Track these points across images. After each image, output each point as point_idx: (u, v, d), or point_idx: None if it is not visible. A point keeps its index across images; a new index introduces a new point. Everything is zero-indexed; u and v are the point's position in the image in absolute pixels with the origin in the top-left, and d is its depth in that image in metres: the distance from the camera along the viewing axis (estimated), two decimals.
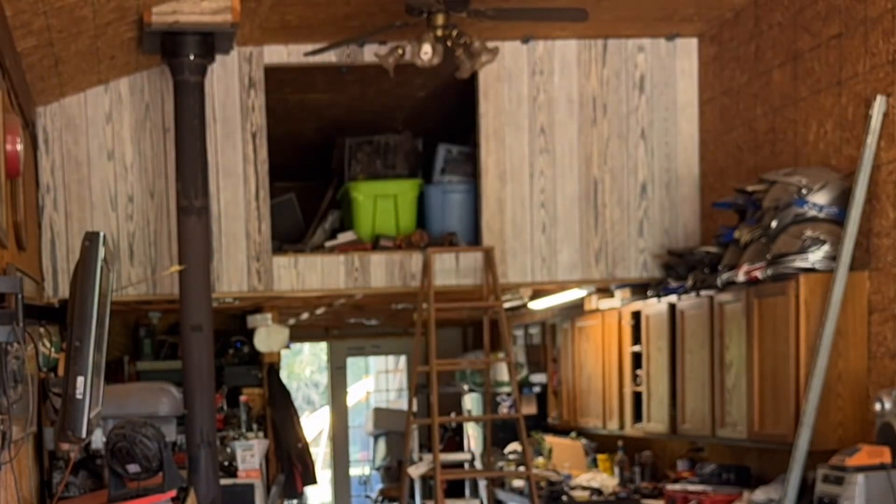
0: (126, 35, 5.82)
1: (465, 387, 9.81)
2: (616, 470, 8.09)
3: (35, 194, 6.50)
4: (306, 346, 19.84)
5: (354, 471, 14.59)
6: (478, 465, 9.12)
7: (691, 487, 6.64)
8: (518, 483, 8.01)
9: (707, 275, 6.37)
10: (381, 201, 7.26)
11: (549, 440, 8.58)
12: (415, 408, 8.12)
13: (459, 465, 8.91)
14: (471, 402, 10.23)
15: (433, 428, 7.07)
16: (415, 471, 7.54)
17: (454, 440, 10.69)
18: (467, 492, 9.45)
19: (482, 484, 8.75)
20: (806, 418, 5.27)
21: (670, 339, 6.74)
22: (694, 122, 6.98)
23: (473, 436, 9.44)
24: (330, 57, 6.61)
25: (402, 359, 14.55)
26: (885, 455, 4.78)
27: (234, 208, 6.77)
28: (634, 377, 7.41)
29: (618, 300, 7.62)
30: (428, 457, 8.57)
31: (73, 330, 3.75)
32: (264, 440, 7.97)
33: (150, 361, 9.76)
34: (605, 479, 7.91)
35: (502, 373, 9.00)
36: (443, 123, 7.83)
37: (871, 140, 5.16)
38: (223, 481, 6.41)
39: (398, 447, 10.75)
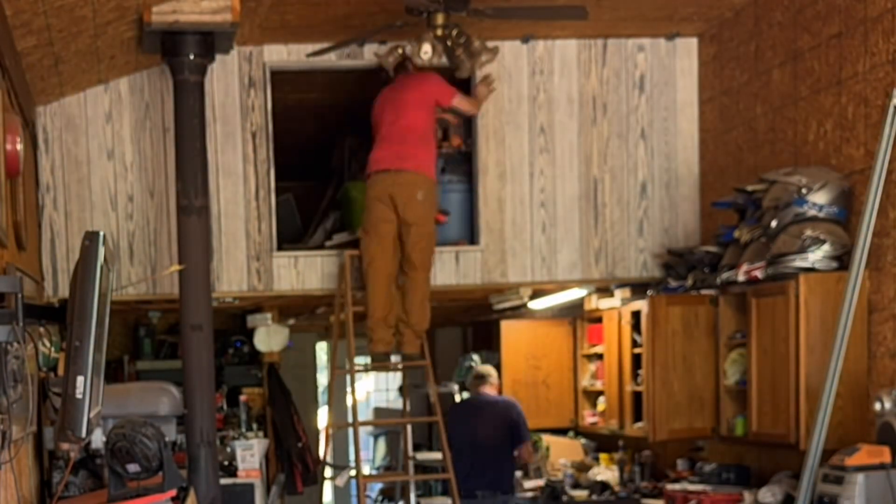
0: (126, 35, 5.82)
1: (455, 386, 9.80)
2: (616, 469, 8.09)
3: (35, 194, 6.50)
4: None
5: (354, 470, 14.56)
6: None
7: (691, 487, 6.64)
8: (531, 485, 8.00)
9: (707, 274, 6.37)
10: None
11: (547, 439, 8.58)
12: (408, 407, 8.14)
13: (434, 467, 8.88)
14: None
15: (355, 432, 7.07)
16: (340, 480, 7.56)
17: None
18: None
19: None
20: (819, 420, 5.20)
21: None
22: (694, 122, 6.98)
23: None
24: (330, 57, 6.61)
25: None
26: (884, 455, 4.78)
27: (234, 208, 6.77)
28: (635, 376, 7.42)
29: (618, 300, 7.62)
30: (420, 457, 8.60)
31: (72, 329, 3.75)
32: (264, 440, 7.96)
33: (149, 361, 9.75)
34: (612, 475, 7.92)
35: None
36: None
37: (890, 131, 5.03)
38: (223, 481, 6.41)
39: (398, 447, 10.75)
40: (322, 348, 14.33)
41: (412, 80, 6.54)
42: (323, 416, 14.39)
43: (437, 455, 9.08)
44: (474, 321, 11.86)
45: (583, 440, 8.74)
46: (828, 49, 5.61)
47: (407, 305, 6.62)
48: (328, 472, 7.84)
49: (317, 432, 12.20)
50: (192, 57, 5.86)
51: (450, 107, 6.57)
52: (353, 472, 7.22)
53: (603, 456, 8.36)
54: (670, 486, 6.86)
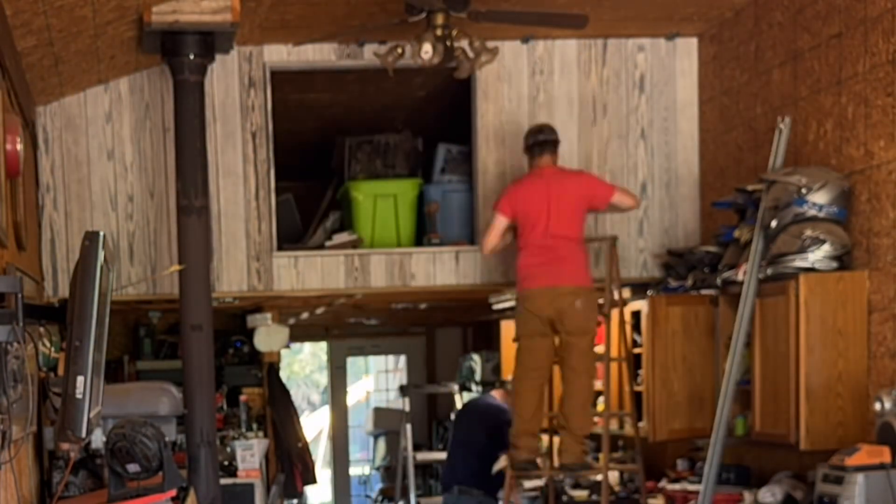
0: (126, 34, 5.83)
1: (455, 386, 9.82)
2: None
3: (35, 194, 6.50)
4: (306, 346, 19.86)
5: (354, 470, 14.60)
6: None
7: (691, 487, 6.64)
8: (530, 484, 8.00)
9: (707, 274, 6.37)
10: (381, 201, 7.26)
11: (547, 439, 8.56)
12: (407, 407, 8.14)
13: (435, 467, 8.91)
14: (464, 400, 10.22)
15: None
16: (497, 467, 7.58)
17: None
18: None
19: None
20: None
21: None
22: (694, 122, 6.98)
23: None
24: (330, 57, 6.61)
25: (402, 358, 14.57)
26: (884, 455, 4.78)
27: (234, 208, 6.77)
28: (635, 376, 7.41)
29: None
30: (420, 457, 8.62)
31: (72, 329, 3.75)
32: (264, 440, 7.97)
33: (150, 361, 9.76)
34: (612, 475, 7.90)
35: (486, 373, 9.03)
36: (443, 123, 7.83)
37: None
38: (223, 481, 6.42)
39: (398, 447, 10.77)
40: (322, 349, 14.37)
41: (564, 178, 6.32)
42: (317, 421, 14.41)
43: (439, 455, 9.11)
44: (474, 321, 11.87)
45: None
46: (828, 49, 5.61)
47: (566, 410, 6.40)
48: None
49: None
50: (192, 57, 5.87)
51: (608, 206, 6.35)
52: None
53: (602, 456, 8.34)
54: (670, 486, 6.85)
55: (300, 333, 12.41)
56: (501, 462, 7.32)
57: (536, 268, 6.26)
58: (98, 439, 5.25)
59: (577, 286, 6.24)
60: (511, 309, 9.27)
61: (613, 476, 7.97)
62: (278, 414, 9.19)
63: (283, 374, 9.80)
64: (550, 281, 6.23)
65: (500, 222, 6.36)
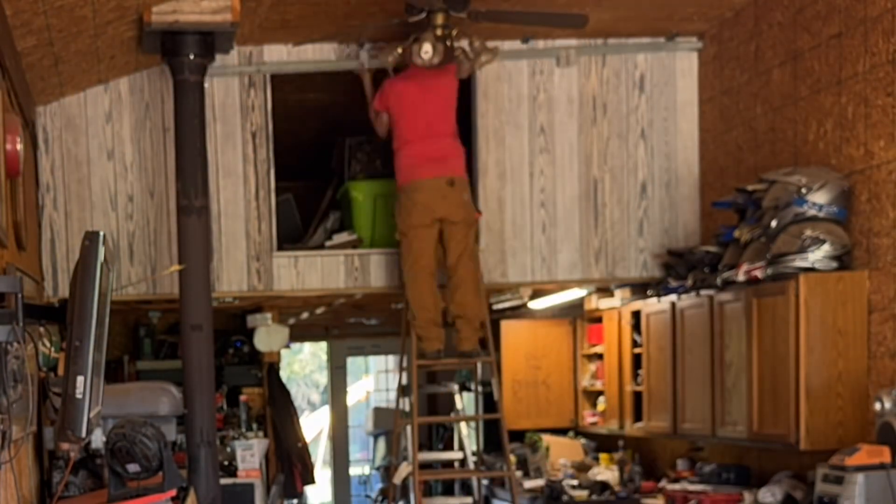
0: (126, 34, 5.83)
1: (455, 386, 9.81)
2: (616, 469, 8.10)
3: (35, 194, 6.50)
4: (306, 346, 19.86)
5: (354, 470, 14.60)
6: (470, 464, 9.13)
7: (691, 487, 6.64)
8: (531, 485, 8.00)
9: (707, 274, 6.37)
10: (381, 201, 7.25)
11: (547, 439, 8.58)
12: (407, 408, 8.12)
13: (450, 463, 8.91)
14: (464, 401, 10.22)
15: (413, 428, 7.05)
16: (397, 477, 7.56)
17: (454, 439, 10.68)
18: (456, 490, 9.50)
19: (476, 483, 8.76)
20: None
21: (671, 338, 6.74)
22: (694, 122, 6.98)
23: (466, 435, 9.45)
24: (330, 57, 6.60)
25: (403, 358, 14.54)
26: (884, 454, 4.78)
27: (234, 208, 6.77)
28: (635, 376, 7.42)
29: (618, 300, 7.62)
30: (421, 457, 8.61)
31: (72, 329, 3.75)
32: (264, 440, 7.97)
33: (149, 361, 9.76)
34: (612, 475, 7.92)
35: (486, 372, 9.01)
36: None
37: None
38: (223, 481, 6.41)
39: (399, 447, 10.76)
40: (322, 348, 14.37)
41: (436, 74, 6.40)
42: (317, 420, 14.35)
43: (440, 455, 9.10)
44: None
45: (583, 440, 8.74)
46: (828, 49, 5.61)
47: (460, 298, 6.56)
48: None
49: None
50: (192, 57, 5.86)
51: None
52: (409, 469, 7.20)
53: (603, 456, 8.36)
54: (670, 486, 6.85)
55: (300, 333, 12.40)
56: (403, 471, 7.32)
57: (423, 160, 6.41)
58: (98, 439, 5.25)
59: (461, 177, 6.45)
60: (512, 308, 9.28)
61: (613, 476, 7.99)
62: (278, 414, 9.19)
63: (283, 374, 9.80)
64: (438, 172, 6.38)
65: (384, 117, 6.53)
